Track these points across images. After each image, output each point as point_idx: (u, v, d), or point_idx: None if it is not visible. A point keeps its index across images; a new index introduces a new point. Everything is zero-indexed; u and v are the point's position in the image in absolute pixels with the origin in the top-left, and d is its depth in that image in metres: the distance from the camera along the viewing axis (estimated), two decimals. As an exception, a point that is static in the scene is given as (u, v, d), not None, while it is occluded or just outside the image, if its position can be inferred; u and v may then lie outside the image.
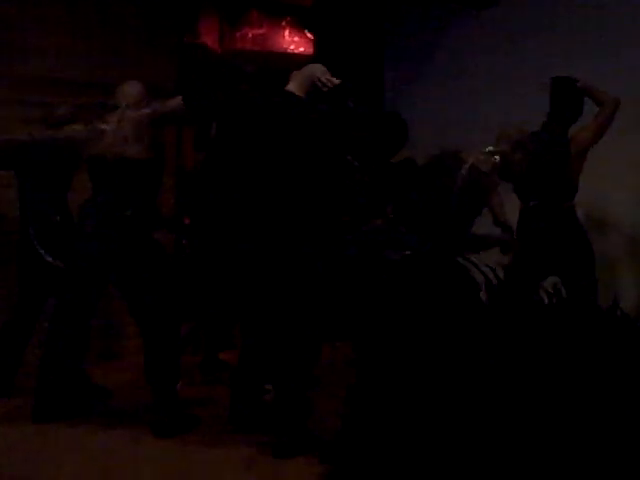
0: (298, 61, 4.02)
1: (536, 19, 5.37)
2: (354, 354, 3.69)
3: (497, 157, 3.71)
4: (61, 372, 3.85)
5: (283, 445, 3.42)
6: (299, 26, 6.60)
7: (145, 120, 3.82)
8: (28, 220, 4.30)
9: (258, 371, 3.77)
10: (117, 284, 3.88)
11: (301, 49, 6.59)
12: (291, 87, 3.60)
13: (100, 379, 4.37)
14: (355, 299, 3.68)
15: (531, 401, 2.73)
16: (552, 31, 5.21)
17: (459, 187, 3.59)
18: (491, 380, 2.85)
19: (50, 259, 4.23)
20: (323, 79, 3.57)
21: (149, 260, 3.82)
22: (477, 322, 3.12)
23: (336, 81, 3.62)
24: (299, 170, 3.51)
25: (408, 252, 3.63)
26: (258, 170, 3.61)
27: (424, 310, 3.46)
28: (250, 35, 6.48)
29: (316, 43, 6.47)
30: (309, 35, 6.59)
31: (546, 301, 3.34)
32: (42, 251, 4.23)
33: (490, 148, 3.74)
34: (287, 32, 6.60)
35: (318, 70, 3.65)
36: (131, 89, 3.96)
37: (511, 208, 4.16)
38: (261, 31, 6.50)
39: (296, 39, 6.61)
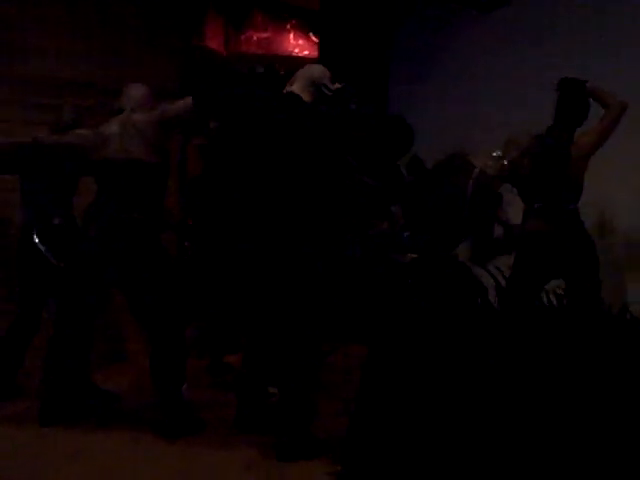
0: (303, 64, 4.03)
1: (539, 21, 5.37)
2: (364, 356, 3.69)
3: (505, 162, 3.72)
4: (66, 375, 3.85)
5: (287, 447, 3.42)
6: (304, 29, 6.61)
7: (151, 124, 3.82)
8: (30, 221, 4.32)
9: (262, 374, 3.77)
10: (121, 287, 3.89)
11: (306, 52, 6.60)
12: (294, 89, 3.61)
13: (105, 382, 4.37)
14: (361, 301, 3.69)
15: (541, 405, 2.73)
16: (557, 33, 5.21)
17: (470, 195, 3.60)
18: (500, 382, 2.85)
19: (52, 259, 4.24)
20: (328, 84, 3.59)
21: (154, 263, 3.82)
22: (485, 325, 3.12)
23: (338, 85, 3.65)
24: (300, 170, 3.52)
25: (415, 255, 3.64)
26: (260, 170, 3.62)
27: (432, 312, 3.47)
28: (255, 38, 6.50)
29: (321, 46, 6.48)
30: (314, 38, 6.60)
31: (553, 304, 3.34)
32: (44, 250, 4.24)
33: (498, 153, 3.75)
34: (292, 35, 6.62)
35: (317, 71, 3.66)
36: (136, 92, 3.97)
37: (512, 209, 4.16)
38: (266, 34, 6.52)
39: (301, 42, 6.62)
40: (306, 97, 3.59)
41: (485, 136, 4.99)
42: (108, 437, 3.71)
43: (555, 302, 3.41)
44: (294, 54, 6.57)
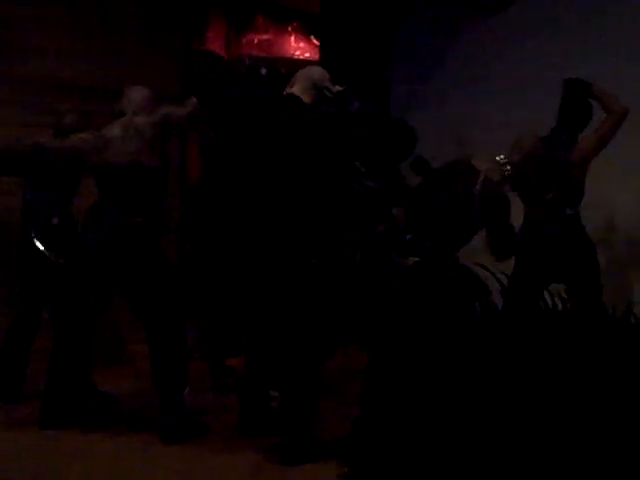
0: (304, 67, 4.03)
1: (540, 21, 5.37)
2: (363, 357, 3.68)
3: (509, 167, 3.72)
4: (68, 379, 3.85)
5: (290, 451, 3.42)
6: (305, 32, 6.61)
7: (152, 128, 3.81)
8: (29, 221, 4.32)
9: (264, 377, 3.77)
10: (123, 290, 3.88)
11: (307, 55, 6.60)
12: (295, 91, 3.61)
13: (105, 384, 4.36)
14: (362, 304, 3.68)
15: (545, 407, 2.73)
16: (557, 33, 5.21)
17: (478, 201, 3.60)
18: (503, 385, 2.85)
19: (51, 256, 4.24)
20: (329, 86, 3.60)
21: (155, 266, 3.82)
22: (489, 328, 3.11)
23: (339, 87, 3.65)
24: (300, 171, 3.52)
25: (416, 258, 3.63)
26: (260, 171, 3.62)
27: (435, 315, 3.46)
28: (256, 41, 6.49)
29: (322, 49, 6.48)
30: (315, 41, 6.60)
31: (553, 307, 3.34)
32: (42, 249, 4.24)
33: (502, 157, 3.74)
34: (293, 38, 6.61)
35: (317, 73, 3.68)
36: (137, 95, 3.97)
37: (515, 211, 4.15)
38: (267, 37, 6.51)
39: (302, 45, 6.62)
40: (307, 99, 3.61)
41: (486, 136, 5.01)
42: (108, 439, 3.72)
43: (557, 305, 3.41)
44: (295, 57, 6.56)
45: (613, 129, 4.08)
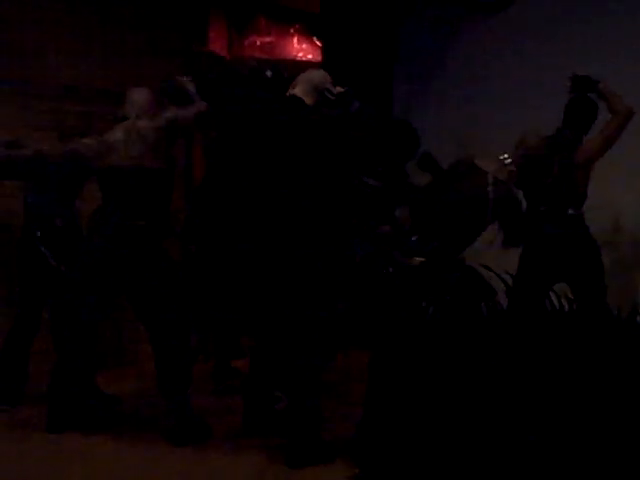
0: (306, 68, 4.03)
1: (543, 23, 5.37)
2: (363, 358, 3.68)
3: (513, 168, 3.71)
4: (72, 381, 3.84)
5: (296, 453, 3.41)
6: (307, 33, 6.61)
7: (156, 132, 3.81)
8: (32, 223, 4.32)
9: (269, 379, 3.76)
10: (127, 293, 3.87)
11: (309, 56, 6.59)
12: (297, 93, 3.63)
13: (108, 385, 4.36)
14: (366, 305, 3.68)
15: (551, 408, 2.72)
16: (560, 34, 5.21)
17: (491, 204, 3.60)
18: (508, 384, 2.84)
19: (52, 261, 4.24)
20: (330, 88, 3.61)
21: (159, 269, 3.81)
22: (494, 328, 3.11)
23: (340, 89, 3.67)
24: (302, 171, 3.53)
25: (422, 259, 3.63)
26: (262, 172, 3.63)
27: (439, 316, 3.46)
28: (258, 42, 6.49)
29: (324, 50, 6.47)
30: (317, 42, 6.59)
31: (559, 308, 3.34)
32: (47, 253, 4.25)
33: (505, 156, 3.73)
34: (295, 39, 6.61)
35: (318, 76, 3.70)
36: (139, 97, 3.96)
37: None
38: (269, 38, 6.51)
39: (304, 46, 6.61)
40: (308, 101, 3.62)
41: (488, 136, 5.01)
42: (111, 441, 3.72)
43: (563, 306, 3.40)
44: (298, 58, 6.55)
45: (618, 130, 4.06)
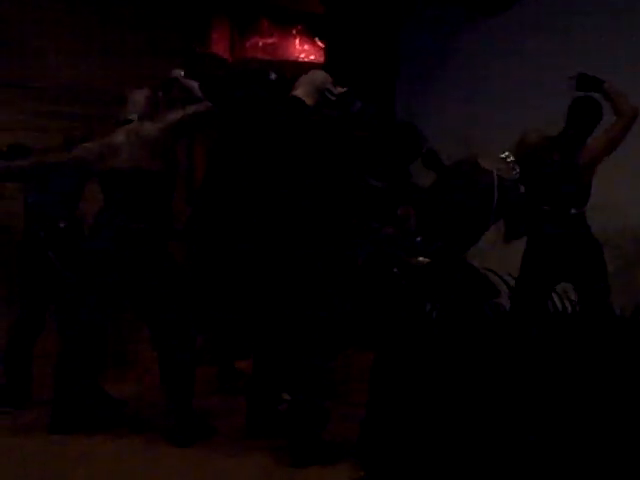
0: (309, 70, 4.04)
1: (545, 22, 5.37)
2: (365, 359, 3.68)
3: (518, 169, 3.71)
4: (76, 384, 3.84)
5: (300, 453, 3.41)
6: (310, 34, 6.61)
7: (159, 134, 3.81)
8: (35, 224, 4.31)
9: (273, 380, 3.76)
10: (129, 295, 3.87)
11: (312, 57, 6.59)
12: (298, 94, 3.65)
13: (112, 388, 4.35)
14: (367, 305, 3.68)
15: (555, 411, 2.72)
16: (564, 36, 5.21)
17: (495, 204, 3.60)
18: (512, 387, 2.84)
19: (58, 265, 4.24)
20: (331, 88, 3.63)
21: (161, 271, 3.81)
22: (497, 329, 3.11)
23: (341, 89, 3.68)
24: (304, 172, 3.54)
25: (427, 260, 3.62)
26: (264, 172, 3.64)
27: (443, 317, 3.46)
28: (260, 44, 6.49)
29: (327, 51, 6.48)
30: (320, 43, 6.60)
31: (562, 310, 3.34)
32: (52, 255, 4.25)
33: (507, 154, 3.73)
34: (297, 40, 6.61)
35: (320, 77, 3.72)
36: (140, 97, 3.96)
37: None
38: (271, 40, 6.51)
39: (307, 47, 6.62)
40: (310, 102, 3.64)
41: (488, 136, 5.02)
42: (114, 443, 3.72)
43: (563, 306, 3.41)
44: (300, 59, 6.56)
45: (623, 131, 4.04)
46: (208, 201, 4.60)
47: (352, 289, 3.64)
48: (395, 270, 3.60)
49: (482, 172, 3.69)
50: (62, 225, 4.36)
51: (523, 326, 3.32)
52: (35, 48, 5.20)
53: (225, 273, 4.54)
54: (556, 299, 3.68)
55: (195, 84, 3.94)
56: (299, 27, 6.58)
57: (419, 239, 3.70)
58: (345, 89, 3.73)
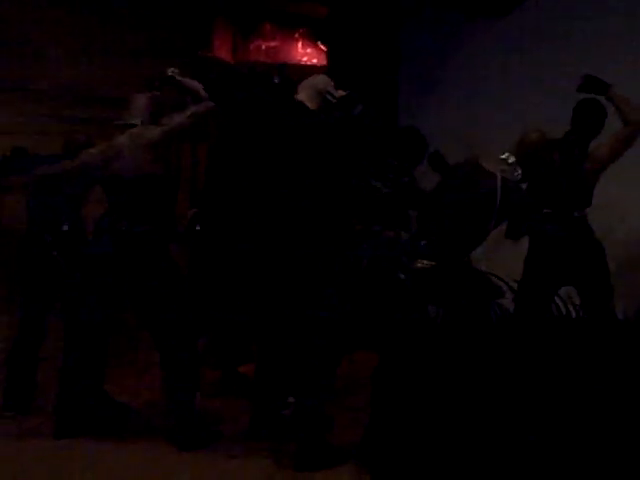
0: (312, 73, 4.06)
1: (545, 23, 5.38)
2: (369, 363, 3.68)
3: (519, 170, 3.71)
4: (80, 389, 3.84)
5: (304, 458, 3.40)
6: (312, 38, 6.62)
7: (161, 138, 3.81)
8: (38, 227, 4.31)
9: (277, 383, 3.76)
10: (132, 299, 3.87)
11: (314, 61, 6.60)
12: (301, 97, 3.70)
13: (118, 393, 4.35)
14: (371, 309, 3.68)
15: (555, 411, 2.72)
16: (565, 40, 5.21)
17: (498, 205, 3.60)
18: (515, 390, 2.84)
19: (64, 267, 4.25)
20: (332, 92, 3.66)
21: (164, 275, 3.81)
22: (501, 333, 3.11)
23: (342, 92, 3.69)
24: (306, 173, 3.55)
25: (432, 263, 3.62)
26: (266, 174, 3.66)
27: (446, 321, 3.46)
28: (263, 47, 6.51)
29: (329, 54, 6.49)
30: (322, 47, 6.61)
31: (567, 312, 3.34)
32: (59, 260, 4.25)
33: (507, 155, 3.73)
34: (300, 44, 6.62)
35: (321, 81, 3.76)
36: (141, 102, 3.95)
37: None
38: (274, 43, 6.52)
39: (309, 51, 6.63)
40: (312, 105, 3.67)
41: (489, 136, 5.02)
42: (122, 448, 3.71)
43: (565, 309, 3.41)
44: (303, 63, 6.57)
45: (630, 139, 3.99)
46: (210, 202, 4.62)
47: (353, 290, 3.65)
48: (400, 274, 3.59)
49: (485, 174, 3.69)
50: (65, 228, 4.36)
51: (526, 328, 3.33)
52: (35, 49, 5.20)
53: (227, 273, 4.56)
54: (560, 303, 3.70)
55: (194, 82, 3.92)
56: (302, 30, 6.60)
57: (423, 243, 3.70)
58: (346, 92, 3.76)
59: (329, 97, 3.69)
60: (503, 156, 3.74)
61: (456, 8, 5.79)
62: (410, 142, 4.29)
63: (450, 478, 2.88)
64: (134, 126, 3.88)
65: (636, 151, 4.32)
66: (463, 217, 3.67)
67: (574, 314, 3.34)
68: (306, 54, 6.62)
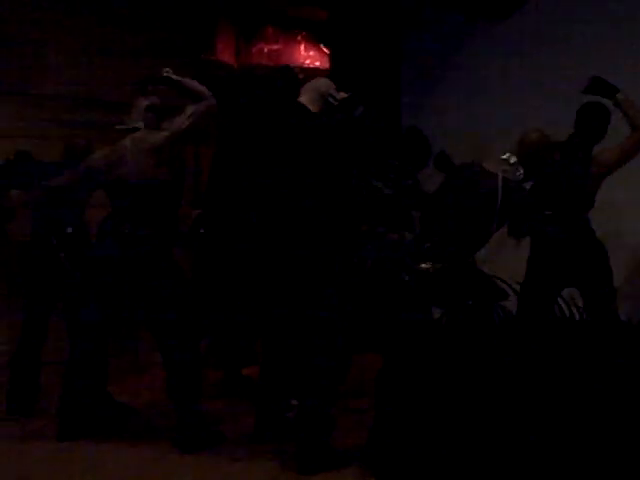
0: (314, 76, 4.07)
1: (545, 23, 5.38)
2: (373, 365, 3.69)
3: (521, 170, 3.71)
4: (83, 390, 3.85)
5: (307, 461, 3.40)
6: (314, 41, 6.63)
7: (164, 142, 3.82)
8: (42, 230, 4.33)
9: (280, 387, 3.77)
10: (135, 302, 3.88)
11: (317, 63, 6.61)
12: (303, 100, 3.72)
13: (121, 395, 4.36)
14: (375, 311, 3.69)
15: (562, 416, 2.73)
16: (565, 43, 5.22)
17: (499, 206, 3.60)
18: (519, 393, 2.85)
19: (68, 266, 4.26)
20: (334, 94, 3.68)
21: (167, 278, 3.82)
22: (504, 336, 3.12)
23: (344, 94, 3.71)
24: (307, 175, 3.56)
25: (429, 264, 3.63)
26: (267, 175, 3.67)
27: (449, 323, 3.46)
28: (266, 50, 6.52)
29: (332, 57, 6.50)
30: (325, 49, 6.62)
31: (570, 314, 3.34)
32: (65, 262, 4.27)
33: (508, 155, 3.73)
34: (303, 47, 6.63)
35: (323, 84, 3.78)
36: (143, 106, 3.96)
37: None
38: (277, 46, 6.53)
39: (312, 54, 6.64)
40: (314, 108, 3.69)
41: (489, 136, 5.05)
42: (125, 450, 3.72)
43: (568, 311, 3.41)
44: (305, 66, 6.58)
45: (638, 145, 3.98)
46: (213, 203, 4.63)
47: (353, 290, 3.66)
48: (404, 275, 3.60)
49: (486, 175, 3.70)
50: (69, 230, 4.37)
51: (529, 331, 3.33)
52: (35, 51, 5.20)
53: (230, 274, 4.57)
54: (563, 305, 3.70)
55: (192, 82, 3.90)
56: (304, 33, 6.61)
57: (427, 244, 3.70)
58: (347, 94, 3.77)
59: (331, 99, 3.71)
60: (504, 156, 3.74)
61: (457, 10, 5.80)
62: (414, 144, 4.30)
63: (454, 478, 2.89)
64: (136, 130, 3.90)
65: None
66: (465, 218, 3.68)
67: (577, 316, 3.34)
68: (309, 57, 6.63)
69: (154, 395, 4.51)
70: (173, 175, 3.93)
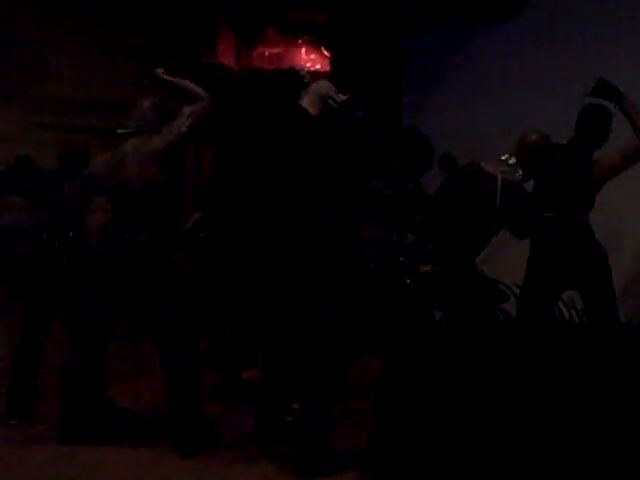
0: (315, 79, 4.07)
1: (545, 23, 5.38)
2: (374, 367, 3.68)
3: (520, 171, 3.71)
4: (84, 394, 3.85)
5: (306, 463, 3.40)
6: (315, 44, 6.64)
7: (165, 146, 3.83)
8: (43, 234, 4.34)
9: (281, 390, 3.77)
10: (135, 306, 3.89)
11: (318, 67, 6.62)
12: (304, 103, 3.73)
13: (121, 398, 4.37)
14: (377, 313, 3.69)
15: (562, 419, 2.72)
16: (562, 35, 5.21)
17: (498, 207, 3.60)
18: (520, 396, 2.84)
19: (70, 269, 4.27)
20: (334, 96, 3.69)
21: (166, 278, 3.83)
22: (504, 338, 3.12)
23: (344, 96, 3.73)
24: (308, 176, 3.57)
25: (430, 266, 3.62)
26: (267, 175, 3.68)
27: (451, 325, 3.46)
28: (267, 54, 6.53)
29: (333, 60, 6.50)
30: (325, 52, 6.62)
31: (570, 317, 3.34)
32: (68, 265, 4.28)
33: (507, 156, 3.73)
34: (303, 50, 6.64)
35: (324, 86, 3.80)
36: (144, 108, 3.97)
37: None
38: (277, 50, 6.54)
39: (312, 57, 6.64)
40: (314, 111, 3.70)
41: (489, 136, 5.04)
42: (123, 453, 3.72)
43: (568, 314, 3.41)
44: (306, 68, 6.57)
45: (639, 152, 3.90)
46: (214, 205, 4.64)
47: (354, 290, 3.66)
48: (405, 277, 3.59)
49: (486, 176, 3.70)
50: (71, 234, 4.38)
51: (529, 333, 3.33)
52: (35, 52, 5.21)
53: (229, 275, 4.57)
54: (563, 307, 3.69)
55: (186, 82, 3.90)
56: (305, 37, 6.61)
57: (429, 247, 3.70)
58: (347, 96, 3.78)
59: (331, 102, 3.72)
60: (503, 157, 3.74)
61: (456, 12, 5.80)
62: (416, 147, 4.29)
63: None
64: (136, 134, 3.90)
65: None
66: (465, 219, 3.67)
67: (577, 319, 3.33)
68: (309, 60, 6.63)
69: (154, 396, 4.50)
70: (174, 179, 3.93)
